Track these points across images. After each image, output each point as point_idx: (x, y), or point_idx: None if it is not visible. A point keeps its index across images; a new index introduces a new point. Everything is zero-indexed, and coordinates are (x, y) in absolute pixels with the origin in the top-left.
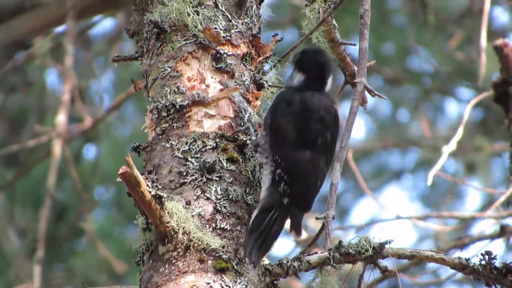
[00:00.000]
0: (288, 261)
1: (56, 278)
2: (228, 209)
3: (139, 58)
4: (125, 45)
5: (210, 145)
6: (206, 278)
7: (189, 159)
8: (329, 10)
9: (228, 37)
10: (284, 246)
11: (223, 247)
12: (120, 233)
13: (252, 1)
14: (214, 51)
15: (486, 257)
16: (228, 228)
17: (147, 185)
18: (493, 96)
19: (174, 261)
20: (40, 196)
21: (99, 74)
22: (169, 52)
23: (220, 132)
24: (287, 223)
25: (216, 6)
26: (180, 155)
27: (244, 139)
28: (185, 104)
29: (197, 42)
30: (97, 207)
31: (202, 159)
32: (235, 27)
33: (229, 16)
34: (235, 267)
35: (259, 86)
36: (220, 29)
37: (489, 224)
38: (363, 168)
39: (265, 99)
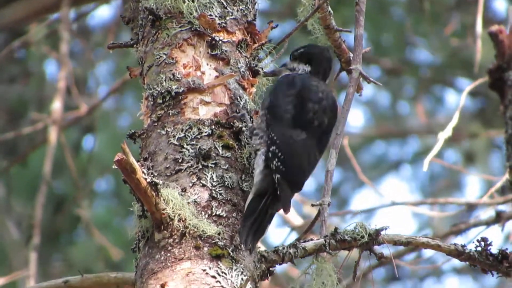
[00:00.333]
0: (284, 248)
1: (54, 268)
2: (224, 196)
3: (135, 45)
4: (124, 36)
5: (205, 132)
6: (202, 265)
7: (185, 146)
8: None
9: (223, 24)
10: (280, 233)
11: (219, 234)
12: (119, 224)
13: None
14: (210, 38)
15: (482, 243)
16: (224, 215)
17: (143, 172)
18: (488, 83)
19: (170, 248)
20: (39, 186)
21: (98, 63)
22: (164, 39)
23: (216, 119)
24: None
25: None
26: (175, 142)
27: (240, 126)
28: (181, 91)
29: (192, 29)
30: (97, 198)
31: (198, 146)
32: (230, 14)
33: (224, 3)
34: (231, 254)
35: (255, 73)
36: (216, 16)
37: (488, 212)
38: (362, 159)
39: (260, 86)
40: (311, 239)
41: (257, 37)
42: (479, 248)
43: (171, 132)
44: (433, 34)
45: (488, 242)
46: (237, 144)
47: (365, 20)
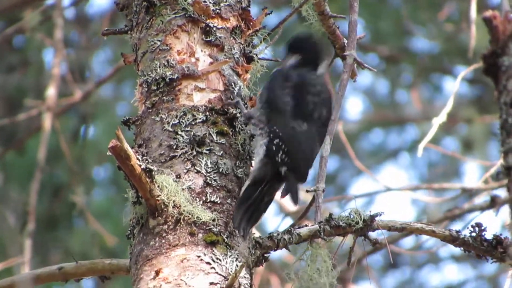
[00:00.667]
0: (278, 234)
1: (53, 256)
2: (218, 182)
3: (129, 32)
4: (122, 24)
5: (200, 119)
6: (197, 251)
7: (179, 132)
8: None
9: (217, 10)
10: (274, 219)
11: (214, 220)
12: (119, 212)
13: None
14: (204, 25)
15: (477, 229)
16: (219, 201)
17: (137, 159)
18: (483, 68)
19: (164, 234)
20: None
21: (96, 51)
22: (158, 26)
23: (210, 105)
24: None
25: None
26: (170, 129)
27: (234, 112)
28: (175, 77)
29: (186, 15)
30: (96, 187)
31: (192, 133)
32: (224, 0)
33: None
34: (226, 240)
35: (249, 60)
36: (210, 3)
37: (483, 198)
38: (360, 147)
39: (254, 72)
40: (306, 225)
41: (251, 23)
42: (473, 234)
43: (166, 119)
44: (430, 22)
45: (483, 228)
46: (231, 130)
47: (362, 7)
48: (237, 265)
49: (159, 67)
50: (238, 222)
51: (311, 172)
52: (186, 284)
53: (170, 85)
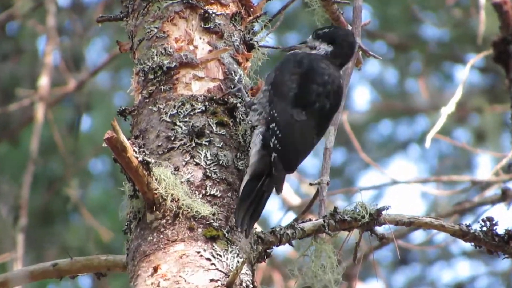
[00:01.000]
0: (281, 229)
1: (49, 251)
2: (219, 175)
3: (124, 19)
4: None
5: (199, 109)
6: (196, 247)
7: (177, 123)
8: None
9: None
10: (277, 213)
11: (214, 214)
12: (116, 207)
13: None
14: (202, 11)
15: (488, 223)
16: (219, 195)
17: (134, 151)
18: (493, 56)
19: (162, 229)
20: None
21: (92, 39)
22: (155, 12)
23: (209, 95)
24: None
25: None
26: (168, 119)
27: (235, 102)
28: (173, 66)
29: (184, 1)
30: (93, 180)
31: (191, 123)
32: None
33: None
34: (226, 235)
35: (250, 47)
36: None
37: (493, 190)
38: (368, 138)
39: (255, 60)
40: (310, 220)
41: (251, 9)
42: (484, 228)
43: (163, 109)
44: (439, 8)
45: (494, 222)
46: (231, 121)
47: None
48: (238, 261)
49: (156, 55)
50: (240, 219)
51: (316, 165)
52: (185, 281)
53: (168, 74)
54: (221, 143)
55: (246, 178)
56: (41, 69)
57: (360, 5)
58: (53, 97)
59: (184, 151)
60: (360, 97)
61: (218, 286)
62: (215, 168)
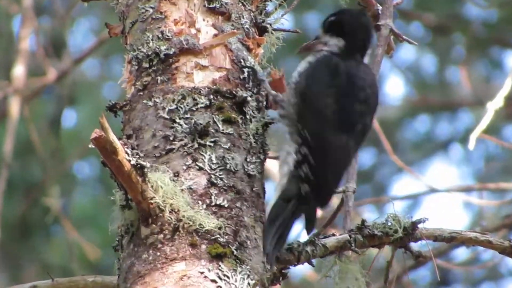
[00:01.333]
0: (299, 245)
1: (27, 270)
2: (226, 181)
3: None
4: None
5: (202, 103)
6: (199, 266)
7: (177, 120)
8: None
9: None
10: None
11: (220, 228)
12: (105, 218)
13: None
14: None
15: None
16: (226, 205)
17: (126, 153)
18: None
19: (160, 245)
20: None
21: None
22: None
23: (215, 86)
24: None
25: None
26: (165, 116)
27: (244, 95)
28: (171, 52)
29: None
30: (79, 186)
31: (193, 120)
32: None
33: None
34: (235, 252)
35: (262, 30)
36: None
37: None
38: (402, 137)
39: (269, 46)
40: (333, 234)
41: None
42: None
43: (160, 104)
44: None
45: None
46: (241, 118)
47: None
48: (249, 283)
49: (152, 40)
50: (271, 247)
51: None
52: None
53: (166, 62)
54: (229, 144)
55: (274, 198)
56: (16, 56)
57: None
58: (30, 90)
59: (185, 153)
60: (392, 88)
61: None
62: (221, 173)
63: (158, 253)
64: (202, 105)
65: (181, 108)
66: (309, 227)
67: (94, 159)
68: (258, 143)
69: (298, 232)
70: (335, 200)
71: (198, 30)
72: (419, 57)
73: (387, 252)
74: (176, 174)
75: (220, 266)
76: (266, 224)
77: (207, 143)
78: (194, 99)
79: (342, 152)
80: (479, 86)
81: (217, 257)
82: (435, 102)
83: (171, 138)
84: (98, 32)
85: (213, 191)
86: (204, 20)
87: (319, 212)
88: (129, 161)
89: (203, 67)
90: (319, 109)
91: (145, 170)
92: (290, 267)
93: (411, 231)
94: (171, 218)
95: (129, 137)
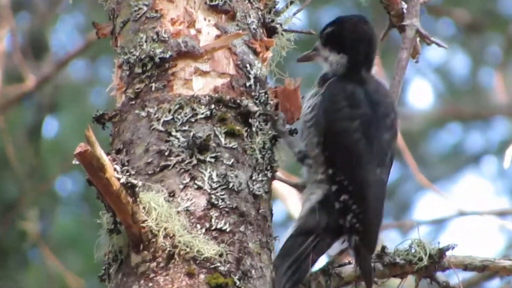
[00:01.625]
0: (311, 275)
1: None
2: (228, 202)
3: None
4: None
5: (202, 114)
6: None
7: (173, 133)
8: None
9: None
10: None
11: (221, 255)
12: (91, 241)
13: None
14: None
15: None
16: (228, 229)
17: (115, 170)
18: None
19: (152, 275)
20: None
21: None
22: None
23: (217, 95)
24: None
25: None
26: (160, 128)
27: (250, 105)
28: (168, 56)
29: None
30: (61, 204)
31: (191, 133)
32: None
33: None
34: (237, 283)
35: (271, 32)
36: None
37: None
38: (429, 149)
39: (278, 48)
40: (349, 263)
41: None
42: None
43: (155, 114)
44: None
45: None
46: (246, 131)
47: None
48: None
49: (146, 42)
50: (282, 280)
51: None
52: None
53: (161, 67)
54: (232, 160)
55: (290, 231)
56: None
57: None
58: (6, 98)
59: (182, 170)
60: (418, 94)
61: None
62: (223, 193)
63: (151, 284)
64: (202, 116)
65: (178, 119)
66: (369, 280)
67: (79, 174)
68: (265, 159)
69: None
70: None
71: (199, 31)
72: (449, 58)
73: (411, 282)
74: (172, 194)
75: None
76: (276, 259)
77: (207, 159)
78: (193, 109)
79: (380, 188)
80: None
81: None
82: (466, 110)
83: (166, 153)
84: (85, 31)
85: (214, 213)
86: (205, 19)
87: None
88: (119, 179)
89: (203, 73)
90: (349, 148)
91: (137, 189)
92: None
93: (437, 259)
94: (166, 244)
95: (118, 152)
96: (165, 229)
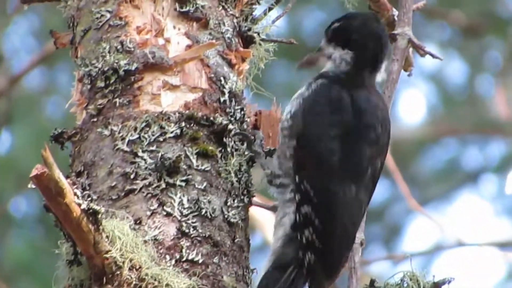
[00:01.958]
0: None
1: None
2: (200, 230)
3: None
4: None
5: (171, 132)
6: None
7: (140, 153)
8: None
9: None
10: None
11: None
12: (47, 267)
13: None
14: None
15: None
16: (200, 260)
17: (75, 195)
18: None
19: None
20: None
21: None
22: None
23: (188, 111)
24: None
25: None
26: (125, 148)
27: (225, 122)
28: (134, 68)
29: None
30: (13, 227)
31: (160, 154)
32: None
33: None
34: None
35: (248, 41)
36: None
37: None
38: (422, 167)
39: (256, 60)
40: None
41: None
42: None
43: (119, 133)
44: None
45: None
46: (220, 151)
47: None
48: None
49: (109, 52)
50: None
51: None
52: None
53: (126, 80)
54: (204, 184)
55: (265, 266)
56: None
57: None
58: None
59: (150, 195)
60: (410, 105)
61: None
62: (194, 220)
63: None
64: (172, 135)
65: (145, 138)
66: None
67: (34, 193)
68: (242, 182)
69: None
70: None
71: (167, 41)
72: (443, 65)
73: None
74: (138, 222)
75: None
76: None
77: (177, 182)
78: (162, 127)
79: (352, 207)
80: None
81: None
82: (463, 123)
83: (132, 176)
84: (40, 37)
85: (185, 242)
86: (174, 27)
87: None
88: (79, 205)
89: (173, 87)
90: (322, 156)
91: (99, 216)
92: None
93: None
94: (131, 277)
95: (79, 174)
96: (130, 260)
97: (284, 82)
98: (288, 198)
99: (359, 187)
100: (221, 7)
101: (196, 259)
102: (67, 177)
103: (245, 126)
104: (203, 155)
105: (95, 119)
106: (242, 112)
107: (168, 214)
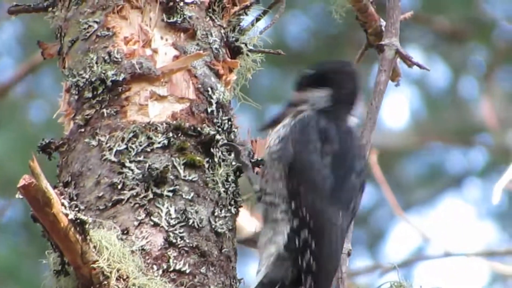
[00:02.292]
0: None
1: None
2: (187, 240)
3: (50, 9)
4: None
5: (159, 143)
6: None
7: (127, 164)
8: None
9: None
10: None
11: None
12: (32, 272)
13: None
14: None
15: None
16: (187, 271)
17: (62, 205)
18: None
19: None
20: None
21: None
22: (95, 0)
23: (175, 122)
24: None
25: None
26: (113, 158)
27: (212, 132)
28: (121, 79)
29: None
30: None
31: (147, 164)
32: None
33: None
34: None
35: (235, 52)
36: None
37: None
38: (406, 171)
39: (243, 71)
40: None
41: None
42: None
43: (106, 143)
44: None
45: None
46: (207, 161)
47: None
48: None
49: (97, 63)
50: None
51: None
52: None
53: (114, 90)
54: (192, 194)
55: (255, 282)
56: None
57: None
58: None
59: (137, 205)
60: (394, 110)
61: None
62: (182, 230)
63: None
64: (159, 145)
65: (133, 148)
66: None
67: (18, 201)
68: (229, 193)
69: None
70: None
71: (155, 51)
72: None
73: None
74: (126, 232)
75: None
76: None
77: (165, 192)
78: (149, 138)
79: (339, 233)
80: (502, 107)
81: None
82: (447, 127)
83: (119, 187)
84: (26, 44)
85: (172, 253)
86: (162, 38)
87: None
88: (67, 215)
89: (160, 98)
90: (316, 182)
91: (87, 226)
92: None
93: None
94: (119, 287)
95: (66, 185)
96: (118, 270)
97: (269, 89)
98: (280, 218)
99: (344, 215)
100: (208, 18)
101: (183, 269)
102: (54, 187)
103: (232, 137)
104: (191, 165)
105: (82, 130)
106: (230, 123)
107: (156, 224)
